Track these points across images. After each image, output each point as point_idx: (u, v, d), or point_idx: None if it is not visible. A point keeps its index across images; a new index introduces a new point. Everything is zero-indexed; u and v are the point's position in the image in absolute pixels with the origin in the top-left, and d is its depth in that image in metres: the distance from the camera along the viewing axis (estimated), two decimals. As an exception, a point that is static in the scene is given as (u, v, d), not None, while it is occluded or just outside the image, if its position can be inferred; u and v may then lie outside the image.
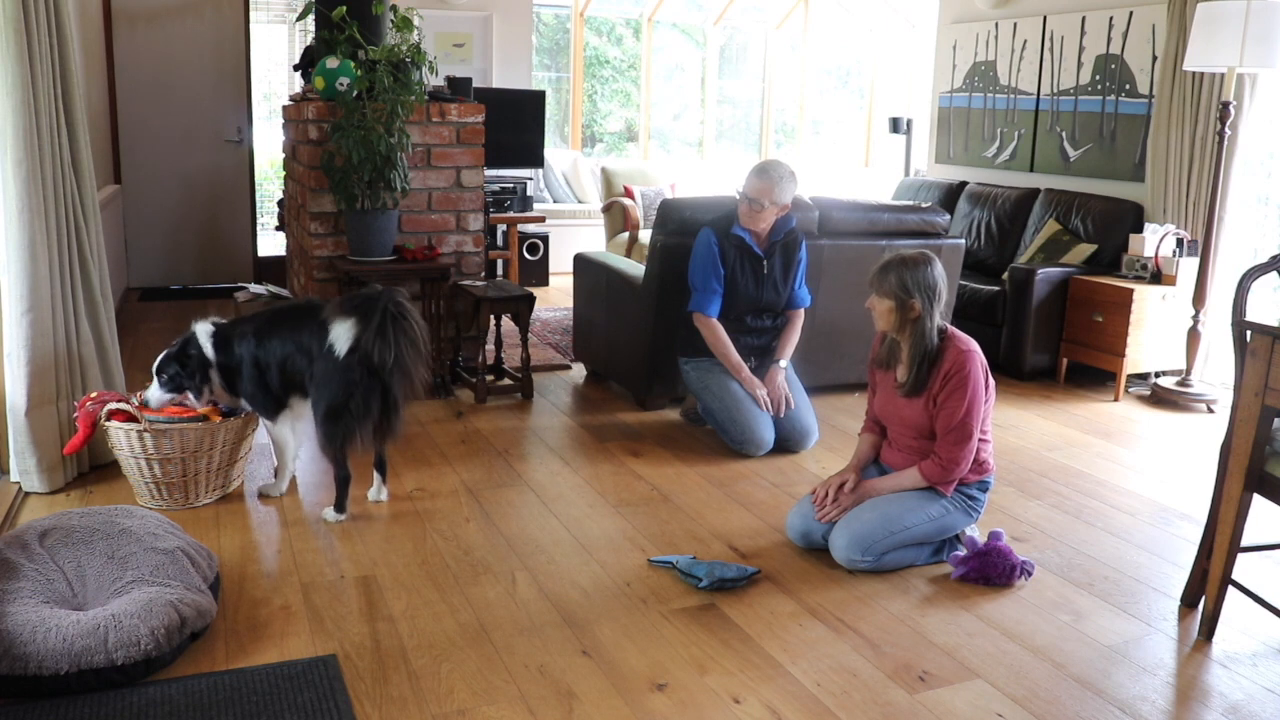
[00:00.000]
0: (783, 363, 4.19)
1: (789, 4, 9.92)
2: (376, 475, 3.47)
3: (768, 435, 4.04)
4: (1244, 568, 2.77)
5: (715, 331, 4.10)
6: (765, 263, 4.12)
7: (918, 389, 3.04)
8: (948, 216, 5.04)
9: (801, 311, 4.29)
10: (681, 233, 4.37)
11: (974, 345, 3.04)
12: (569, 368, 5.40)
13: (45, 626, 2.27)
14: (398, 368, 3.13)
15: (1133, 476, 3.98)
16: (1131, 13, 5.66)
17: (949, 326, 3.08)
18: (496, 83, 8.21)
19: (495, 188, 6.82)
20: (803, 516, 3.18)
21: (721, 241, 4.08)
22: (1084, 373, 5.41)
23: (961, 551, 3.06)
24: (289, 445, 3.49)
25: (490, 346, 5.09)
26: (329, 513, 3.31)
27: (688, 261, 4.18)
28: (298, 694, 2.29)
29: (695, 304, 4.12)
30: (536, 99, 6.70)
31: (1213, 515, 2.79)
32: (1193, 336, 4.97)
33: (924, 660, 2.55)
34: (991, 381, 3.07)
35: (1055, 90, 6.16)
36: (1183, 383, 5.03)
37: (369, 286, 3.24)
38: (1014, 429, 4.54)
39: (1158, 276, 5.09)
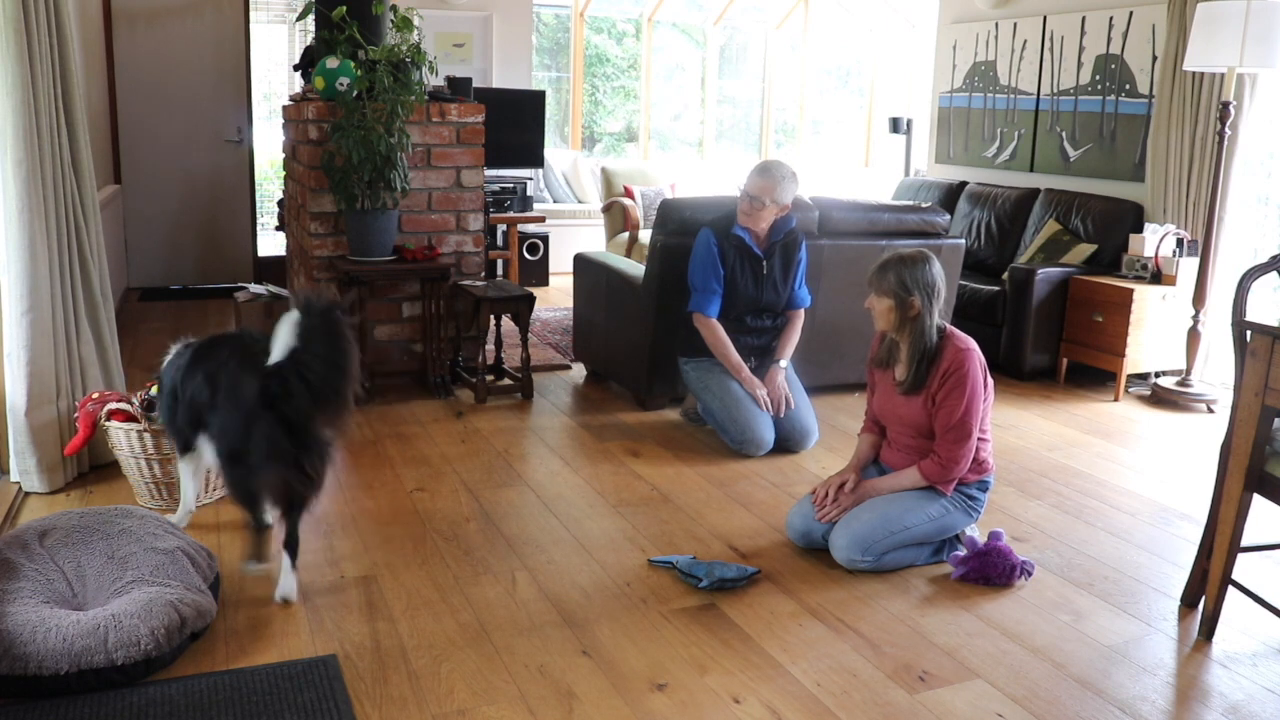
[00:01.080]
0: (783, 363, 4.18)
1: (789, 4, 9.92)
2: (285, 558, 2.74)
3: (768, 435, 4.04)
4: (1244, 568, 2.76)
5: (715, 332, 4.10)
6: (765, 263, 4.12)
7: (916, 387, 3.04)
8: (948, 216, 5.04)
9: (801, 312, 4.29)
10: (681, 233, 4.37)
11: (972, 344, 3.04)
12: (569, 368, 5.40)
13: (45, 626, 2.27)
14: (325, 389, 2.61)
15: (1133, 476, 3.98)
16: (1131, 13, 5.66)
17: (948, 325, 3.09)
18: (496, 83, 8.20)
19: (495, 188, 6.82)
20: (803, 516, 3.18)
21: (721, 242, 4.08)
22: (1084, 373, 5.41)
23: (961, 551, 3.06)
24: (189, 487, 3.13)
25: (490, 346, 5.09)
26: (250, 565, 2.83)
27: (688, 262, 4.18)
28: (298, 694, 2.29)
29: (695, 304, 4.12)
30: (536, 99, 6.70)
31: (1213, 515, 2.79)
32: (1193, 336, 4.97)
33: (924, 660, 2.55)
34: (990, 380, 3.07)
35: (1055, 90, 6.16)
36: (1183, 383, 5.03)
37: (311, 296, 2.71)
38: (1014, 429, 4.54)
39: (1158, 276, 5.09)
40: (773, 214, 4.08)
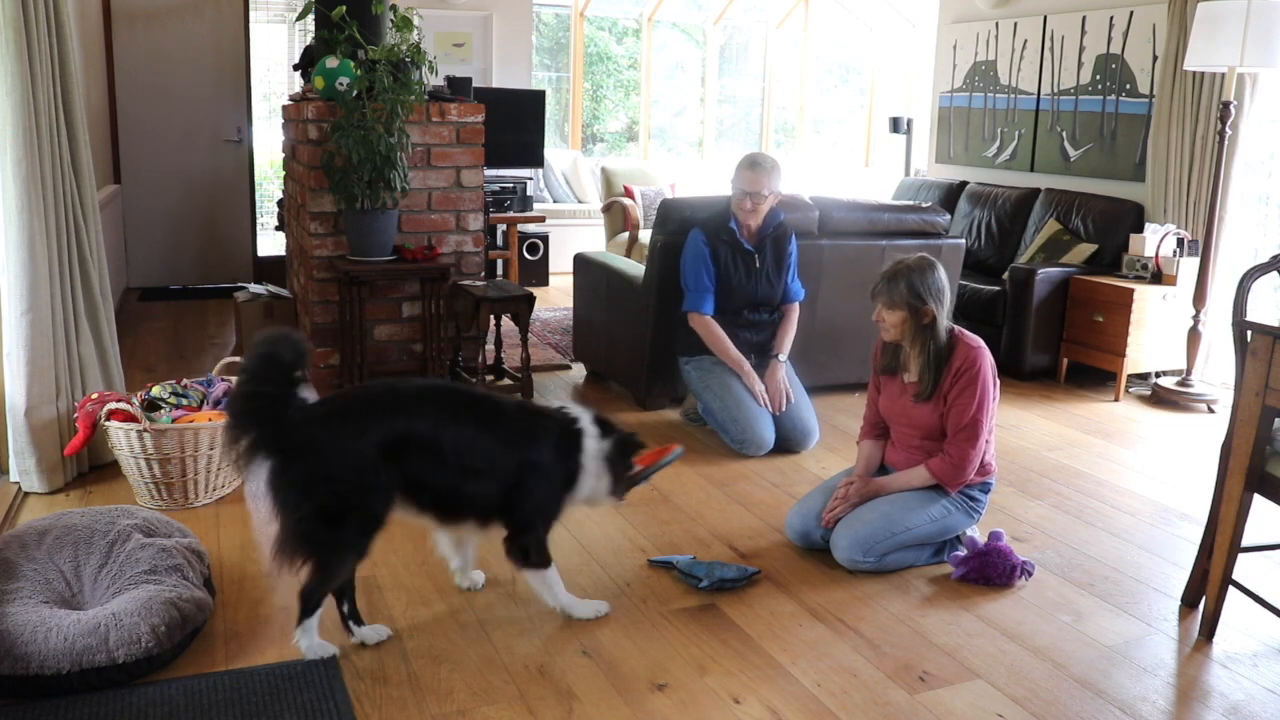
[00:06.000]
0: (781, 357, 4.19)
1: (789, 3, 9.92)
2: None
3: (768, 435, 4.04)
4: (1244, 568, 2.76)
5: (711, 329, 4.11)
6: (756, 257, 4.14)
7: (932, 392, 3.02)
8: (948, 216, 5.04)
9: (797, 305, 4.30)
10: (682, 233, 4.37)
11: (982, 343, 3.02)
12: (569, 368, 5.40)
13: (46, 626, 2.27)
14: None
15: (1133, 476, 3.98)
16: (1132, 12, 5.66)
17: (955, 326, 3.07)
18: (496, 82, 8.20)
19: (495, 188, 6.82)
20: (802, 517, 3.17)
21: (711, 240, 4.11)
22: (1084, 373, 5.40)
23: (962, 552, 3.05)
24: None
25: (490, 346, 5.09)
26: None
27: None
28: (298, 694, 2.29)
29: (690, 304, 4.13)
30: (536, 99, 6.70)
31: (1213, 515, 2.79)
32: (1193, 336, 4.96)
33: (924, 660, 2.55)
34: (998, 382, 3.05)
35: (1055, 90, 6.15)
36: (1183, 383, 5.02)
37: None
38: (1014, 429, 4.53)
39: (1158, 276, 5.09)
40: (771, 203, 4.11)
